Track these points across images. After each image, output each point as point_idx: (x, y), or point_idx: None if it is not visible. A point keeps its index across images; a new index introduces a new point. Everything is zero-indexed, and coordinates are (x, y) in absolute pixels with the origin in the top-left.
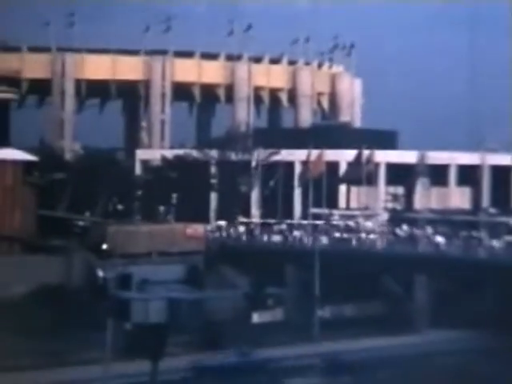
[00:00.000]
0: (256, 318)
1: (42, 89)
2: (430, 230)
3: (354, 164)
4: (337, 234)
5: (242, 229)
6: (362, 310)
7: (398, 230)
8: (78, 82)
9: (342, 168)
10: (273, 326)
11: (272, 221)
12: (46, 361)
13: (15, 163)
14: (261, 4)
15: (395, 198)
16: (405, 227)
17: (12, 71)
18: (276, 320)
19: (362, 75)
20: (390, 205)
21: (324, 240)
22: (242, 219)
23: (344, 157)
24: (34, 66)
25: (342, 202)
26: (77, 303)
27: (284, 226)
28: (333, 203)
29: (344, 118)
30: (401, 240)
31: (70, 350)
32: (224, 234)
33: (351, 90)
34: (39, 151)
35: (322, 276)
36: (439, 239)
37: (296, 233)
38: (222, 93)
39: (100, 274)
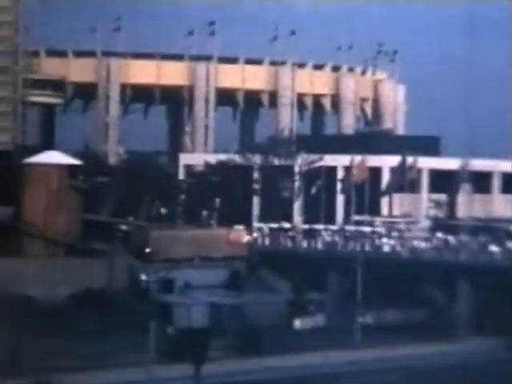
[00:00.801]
0: (297, 323)
1: (87, 93)
2: (483, 238)
3: (397, 171)
4: (379, 241)
5: (283, 234)
6: (404, 316)
7: (439, 237)
8: (123, 87)
9: (385, 174)
10: (314, 331)
11: (314, 226)
12: (89, 363)
13: (60, 167)
14: (305, 10)
15: (438, 205)
16: (445, 235)
17: (58, 76)
18: (317, 326)
19: (405, 81)
20: (432, 212)
21: (366, 246)
22: (284, 224)
23: (386, 163)
24: (79, 71)
25: (384, 209)
26: (119, 307)
27: (326, 232)
28: (375, 210)
29: (387, 124)
30: (443, 247)
31: (112, 353)
32: (266, 238)
33: (394, 96)
34: (84, 155)
35: (363, 282)
36: (493, 248)
37: (338, 238)
38: (265, 98)
39: (142, 277)
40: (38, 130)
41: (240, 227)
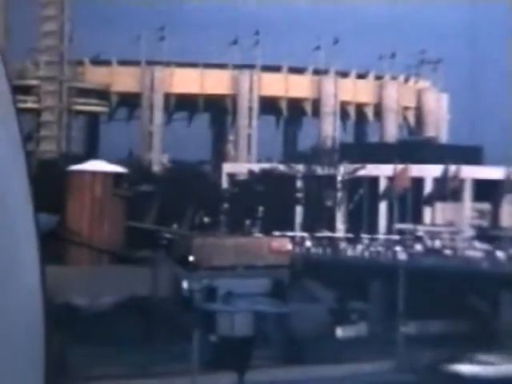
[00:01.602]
0: (340, 332)
1: (131, 102)
2: None
3: (440, 180)
4: (422, 250)
5: (326, 243)
6: (447, 326)
7: (483, 247)
8: (167, 96)
9: (428, 184)
10: (356, 340)
11: (356, 235)
12: (133, 371)
13: (104, 175)
14: (348, 19)
15: (481, 214)
16: (488, 244)
17: (102, 85)
18: (359, 335)
19: (448, 90)
20: (475, 221)
21: (409, 255)
22: (327, 233)
23: (429, 172)
24: (123, 80)
25: (426, 218)
26: (163, 315)
27: (368, 241)
28: (418, 219)
29: (430, 133)
30: (487, 257)
31: (156, 361)
32: (309, 247)
33: (437, 104)
34: (128, 163)
35: (406, 291)
36: None
37: (380, 247)
38: (308, 107)
39: (186, 286)
40: (82, 138)
41: (283, 236)
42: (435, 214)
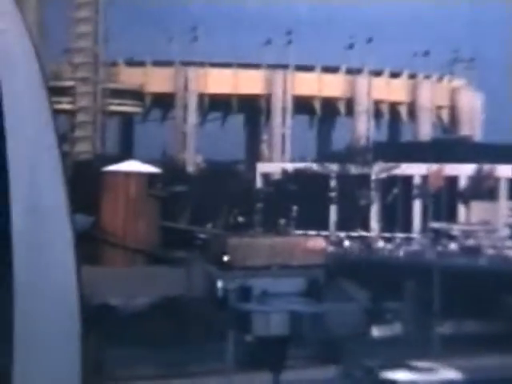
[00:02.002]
0: (375, 332)
1: (165, 103)
2: None
3: (475, 178)
4: (456, 249)
5: (361, 242)
6: (483, 326)
7: None
8: (201, 96)
9: (462, 182)
10: (391, 340)
11: (391, 234)
12: (169, 372)
13: (139, 175)
14: (381, 17)
15: None
16: None
17: (136, 85)
18: (395, 335)
19: (483, 89)
20: (510, 220)
21: (443, 254)
22: (361, 232)
23: (464, 171)
24: (157, 81)
25: (461, 217)
26: (198, 315)
27: (402, 240)
28: (452, 218)
29: (464, 132)
30: None
31: (191, 361)
32: (344, 246)
33: (472, 103)
34: (162, 164)
35: (441, 291)
36: None
37: (415, 246)
38: (342, 106)
39: (220, 285)
40: (117, 139)
41: (317, 235)
42: (470, 213)
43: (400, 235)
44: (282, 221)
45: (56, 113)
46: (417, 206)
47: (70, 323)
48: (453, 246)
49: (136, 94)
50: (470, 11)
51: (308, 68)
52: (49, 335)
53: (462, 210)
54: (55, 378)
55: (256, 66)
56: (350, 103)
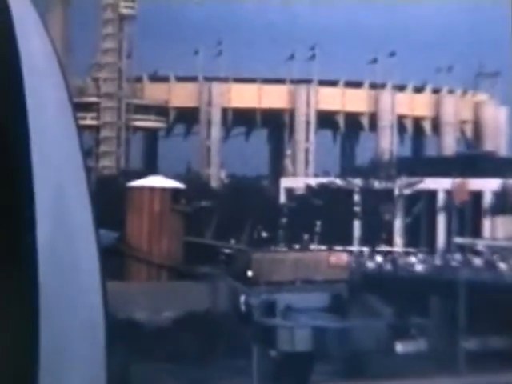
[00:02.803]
0: (399, 347)
1: (189, 117)
2: None
3: (499, 193)
4: (482, 264)
5: (385, 257)
6: (509, 343)
7: None
8: (225, 111)
9: (487, 197)
10: (416, 356)
11: (415, 249)
12: None
13: (163, 190)
14: (404, 32)
15: None
16: None
17: (160, 101)
18: (419, 350)
19: (507, 103)
20: None
21: (468, 269)
22: (385, 247)
23: (488, 186)
24: (181, 96)
25: (486, 232)
26: (222, 330)
27: (427, 255)
28: (477, 233)
29: (488, 146)
30: None
31: (217, 377)
32: (367, 262)
33: (496, 118)
34: (186, 179)
35: (466, 306)
36: None
37: (439, 261)
38: (365, 121)
39: (245, 301)
40: (141, 154)
41: (341, 250)
42: (495, 228)
43: (424, 250)
44: (306, 235)
45: (80, 128)
46: (441, 221)
47: (95, 338)
48: (478, 261)
49: (160, 110)
50: (494, 26)
51: (331, 83)
52: (74, 350)
53: (486, 224)
54: None
55: (280, 81)
56: (374, 118)
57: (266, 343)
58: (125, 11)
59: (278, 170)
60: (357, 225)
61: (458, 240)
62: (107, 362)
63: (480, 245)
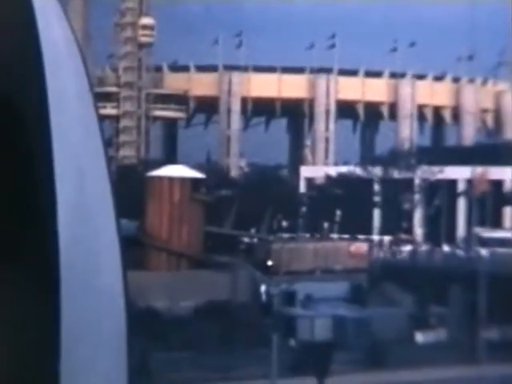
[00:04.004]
0: (419, 337)
1: (209, 107)
2: None
3: None
4: (502, 253)
5: (404, 246)
6: None
7: None
8: (244, 100)
9: (507, 186)
10: (436, 345)
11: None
12: (213, 376)
13: (183, 180)
14: (424, 22)
15: None
16: None
17: (180, 90)
18: (439, 340)
19: None
20: None
21: (488, 258)
22: (405, 237)
23: (509, 175)
24: (201, 85)
25: (506, 222)
26: (242, 319)
27: (447, 244)
28: (497, 222)
29: (509, 135)
30: None
31: (236, 366)
32: (387, 251)
33: None
34: (206, 168)
35: (487, 295)
36: None
37: (460, 251)
38: (385, 110)
39: (265, 290)
40: (161, 143)
41: (361, 239)
42: None
43: (444, 239)
44: (326, 225)
45: (100, 118)
46: (461, 210)
47: (116, 327)
48: (498, 251)
49: (180, 99)
50: None
51: (351, 72)
52: (95, 339)
53: (507, 214)
54: (102, 382)
55: (299, 70)
56: (394, 107)
57: (285, 333)
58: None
59: (297, 159)
60: (376, 214)
61: (478, 230)
62: (128, 350)
63: (500, 234)
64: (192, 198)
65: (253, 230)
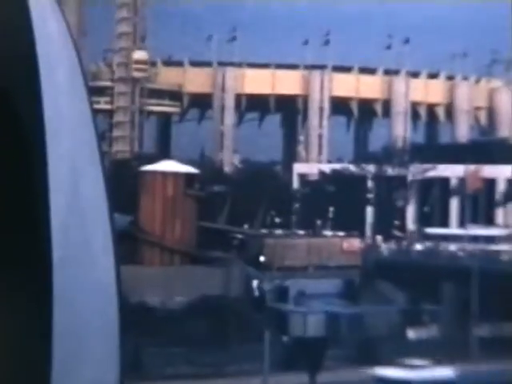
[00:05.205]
0: (411, 333)
1: (202, 103)
2: None
3: None
4: (495, 250)
5: (397, 243)
6: None
7: None
8: (238, 96)
9: (500, 184)
10: (428, 342)
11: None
12: (206, 371)
13: (176, 175)
14: (418, 18)
15: None
16: None
17: (174, 85)
18: (431, 337)
19: None
20: None
21: (481, 256)
22: (398, 233)
23: (502, 173)
24: (195, 81)
25: (499, 220)
26: (235, 315)
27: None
28: (490, 220)
29: (502, 133)
30: None
31: (229, 361)
32: (380, 248)
33: (510, 104)
34: (199, 164)
35: (479, 292)
36: None
37: (452, 248)
38: (379, 107)
39: (257, 286)
40: (154, 138)
41: (354, 236)
42: (508, 215)
43: (437, 235)
44: (319, 221)
45: (94, 112)
46: (454, 208)
47: (108, 322)
48: (490, 247)
49: (174, 94)
50: (509, 12)
51: (345, 69)
52: (87, 334)
53: (500, 212)
54: (95, 377)
55: (293, 67)
56: (388, 104)
57: (278, 328)
58: None
59: (291, 155)
60: (370, 211)
61: (471, 227)
62: (121, 345)
63: (493, 231)
64: (185, 193)
65: (246, 226)
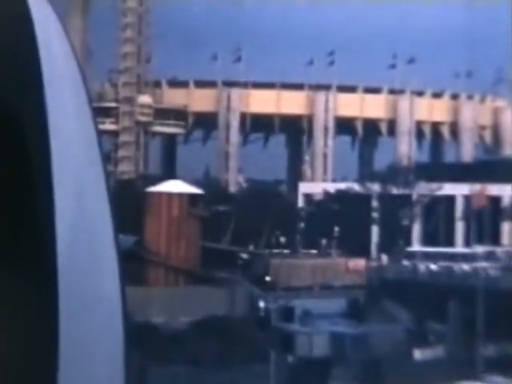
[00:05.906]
0: (417, 354)
1: (207, 123)
2: None
3: None
4: (501, 270)
5: (403, 262)
6: None
7: None
8: (243, 116)
9: (505, 203)
10: (434, 362)
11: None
12: None
13: (181, 195)
14: (423, 38)
15: None
16: None
17: (179, 105)
18: (438, 357)
19: None
20: None
21: (488, 275)
22: (403, 253)
23: (507, 191)
24: (200, 101)
25: (505, 238)
26: (240, 335)
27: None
28: (495, 239)
29: (507, 152)
30: None
31: (234, 381)
32: (385, 267)
33: None
34: (204, 183)
35: (485, 312)
36: None
37: (458, 267)
38: (384, 127)
39: (262, 306)
40: (159, 159)
41: (359, 256)
42: None
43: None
44: (324, 241)
45: (99, 133)
46: (459, 227)
47: (114, 342)
48: (496, 266)
49: (179, 114)
50: None
51: (350, 88)
52: (93, 354)
53: (505, 230)
54: None
55: (298, 87)
56: (392, 124)
57: (283, 348)
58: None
59: (296, 175)
60: (375, 230)
61: (477, 246)
62: (126, 365)
63: (499, 251)
64: (190, 213)
65: (251, 246)
